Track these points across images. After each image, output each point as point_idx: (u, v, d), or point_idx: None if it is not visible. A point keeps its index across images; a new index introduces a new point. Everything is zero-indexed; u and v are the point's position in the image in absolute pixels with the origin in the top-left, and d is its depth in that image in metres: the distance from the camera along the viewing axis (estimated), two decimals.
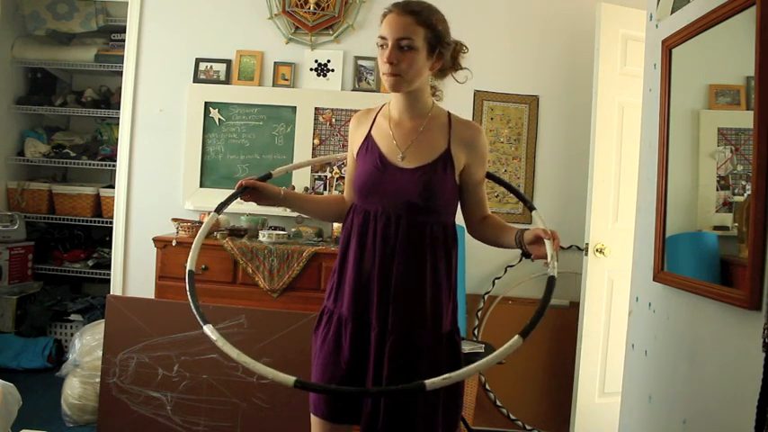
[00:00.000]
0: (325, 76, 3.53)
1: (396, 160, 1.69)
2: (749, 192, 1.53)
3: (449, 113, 1.79)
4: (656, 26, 2.11)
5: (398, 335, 1.63)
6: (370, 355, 1.64)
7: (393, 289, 1.64)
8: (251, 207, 3.42)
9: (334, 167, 3.53)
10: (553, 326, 3.41)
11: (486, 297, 3.44)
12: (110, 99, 4.13)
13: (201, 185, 3.53)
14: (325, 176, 3.52)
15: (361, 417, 1.65)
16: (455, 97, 3.45)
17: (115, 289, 3.55)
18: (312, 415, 1.72)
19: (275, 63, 3.54)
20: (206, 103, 3.52)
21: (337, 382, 1.65)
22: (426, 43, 1.64)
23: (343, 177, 3.52)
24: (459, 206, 1.80)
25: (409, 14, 1.62)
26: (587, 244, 3.07)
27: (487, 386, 3.43)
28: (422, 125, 1.72)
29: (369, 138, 1.75)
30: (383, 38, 1.64)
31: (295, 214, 3.41)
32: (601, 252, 3.07)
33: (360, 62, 3.52)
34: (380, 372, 1.62)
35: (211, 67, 3.55)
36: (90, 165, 4.05)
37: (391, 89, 1.67)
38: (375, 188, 1.69)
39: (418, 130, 1.72)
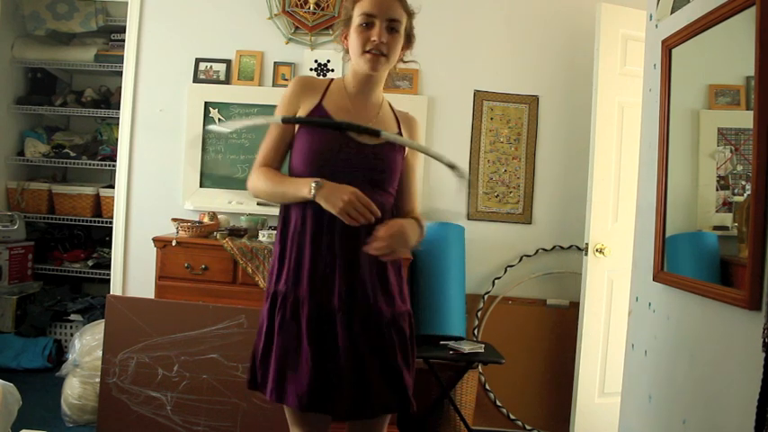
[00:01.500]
0: (324, 75, 3.53)
1: (354, 135, 1.62)
2: (749, 192, 1.53)
3: (389, 103, 1.81)
4: (656, 26, 2.12)
5: (365, 313, 1.59)
6: (338, 336, 1.57)
7: (360, 270, 1.58)
8: (251, 207, 3.45)
9: None
10: (553, 326, 3.42)
11: (486, 297, 3.44)
12: (110, 99, 4.13)
13: (201, 185, 3.53)
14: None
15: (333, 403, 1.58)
16: (455, 97, 3.48)
17: (115, 289, 3.55)
18: (285, 407, 1.65)
19: (275, 63, 3.54)
20: (206, 103, 3.52)
21: (306, 364, 1.56)
22: (404, 30, 1.68)
23: None
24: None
25: None
26: (587, 244, 3.07)
27: (487, 386, 3.43)
28: (378, 108, 1.73)
29: (319, 107, 1.66)
30: (370, 15, 1.62)
31: None
32: (601, 252, 3.07)
33: None
34: (350, 348, 1.57)
35: (211, 67, 3.55)
36: (90, 165, 4.05)
37: (371, 69, 1.64)
38: (331, 161, 1.58)
39: (376, 111, 1.72)
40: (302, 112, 1.67)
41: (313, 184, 1.52)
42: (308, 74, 3.52)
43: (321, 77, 1.83)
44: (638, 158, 2.25)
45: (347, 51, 1.72)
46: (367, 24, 1.62)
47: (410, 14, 1.70)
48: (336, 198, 1.50)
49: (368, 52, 1.63)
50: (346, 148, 1.61)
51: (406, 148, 1.72)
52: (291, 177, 1.62)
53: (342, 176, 1.56)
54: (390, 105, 1.80)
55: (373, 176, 1.62)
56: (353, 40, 1.66)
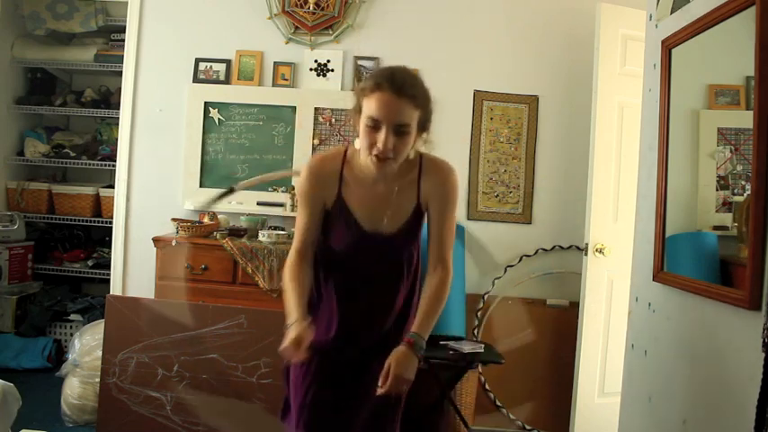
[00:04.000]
0: (324, 76, 3.53)
1: (373, 227, 1.69)
2: (749, 192, 1.53)
3: (420, 156, 1.73)
4: (656, 26, 2.11)
5: (383, 353, 1.69)
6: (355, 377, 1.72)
7: (377, 324, 1.73)
8: (251, 207, 3.45)
9: None
10: (553, 326, 3.41)
11: (485, 297, 3.44)
12: (109, 99, 4.12)
13: (201, 185, 3.53)
14: None
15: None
16: (455, 98, 3.48)
17: (115, 289, 3.55)
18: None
19: (275, 63, 3.54)
20: (206, 103, 3.52)
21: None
22: (418, 124, 1.60)
23: None
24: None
25: (406, 97, 1.54)
26: (587, 244, 3.07)
27: (487, 386, 3.43)
28: (396, 184, 1.69)
29: (340, 199, 1.69)
30: (375, 120, 1.55)
31: (295, 214, 3.40)
32: (601, 252, 3.07)
33: (359, 62, 3.51)
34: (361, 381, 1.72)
35: (211, 67, 3.55)
36: (90, 165, 4.05)
37: (377, 171, 1.61)
38: (355, 254, 1.71)
39: (393, 190, 1.69)
40: (328, 200, 1.71)
41: (287, 322, 1.62)
42: (307, 74, 3.53)
43: (331, 156, 1.75)
44: (637, 158, 2.25)
45: (356, 128, 1.67)
46: (373, 128, 1.56)
47: (423, 108, 1.60)
48: (286, 341, 1.59)
49: (373, 155, 1.58)
50: (367, 240, 1.70)
51: (426, 210, 1.74)
52: (293, 298, 1.66)
53: (368, 259, 1.72)
54: (421, 157, 1.72)
55: (388, 255, 1.74)
56: (361, 135, 1.60)
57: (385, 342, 1.71)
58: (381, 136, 1.54)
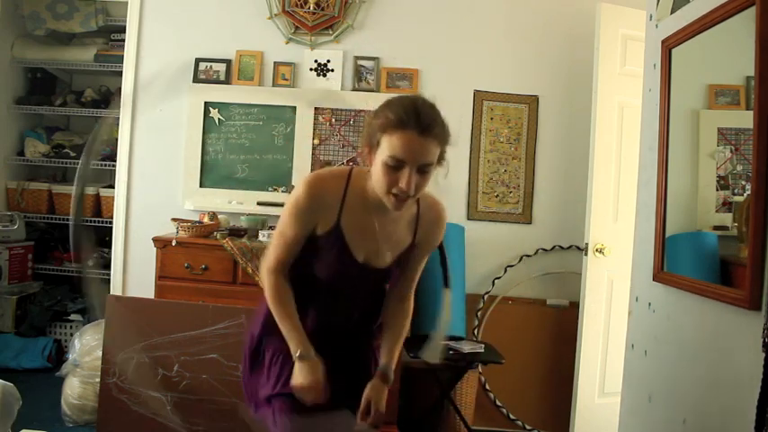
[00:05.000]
0: (324, 76, 3.53)
1: (366, 259, 1.63)
2: (749, 192, 1.53)
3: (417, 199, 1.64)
4: (656, 26, 2.11)
5: (355, 367, 1.72)
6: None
7: (351, 332, 1.72)
8: (251, 207, 3.45)
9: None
10: (553, 326, 3.42)
11: (485, 297, 3.44)
12: (110, 99, 4.12)
13: (201, 185, 3.53)
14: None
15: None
16: (455, 98, 3.47)
17: (115, 289, 3.55)
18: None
19: (275, 63, 3.54)
20: (206, 103, 3.52)
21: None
22: (438, 159, 1.51)
23: None
24: None
25: (431, 137, 1.45)
26: (587, 244, 3.07)
27: (487, 386, 3.43)
28: (397, 221, 1.64)
29: (337, 230, 1.59)
30: (398, 160, 1.44)
31: None
32: (601, 252, 3.07)
33: (360, 62, 3.52)
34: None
35: (211, 67, 3.55)
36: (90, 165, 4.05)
37: (394, 209, 1.52)
38: (342, 283, 1.65)
39: (394, 226, 1.63)
40: (319, 227, 1.60)
41: (299, 353, 1.59)
42: (307, 74, 3.53)
43: (334, 177, 1.63)
44: (637, 158, 2.25)
45: (369, 169, 1.56)
46: (395, 167, 1.46)
47: (446, 142, 1.51)
48: (304, 377, 1.57)
49: (392, 194, 1.49)
50: (358, 272, 1.64)
51: (417, 243, 1.70)
52: (293, 323, 1.62)
53: (354, 288, 1.67)
54: (418, 200, 1.64)
55: (374, 285, 1.72)
56: (378, 173, 1.49)
57: (356, 336, 1.74)
58: (405, 176, 1.45)
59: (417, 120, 1.44)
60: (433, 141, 1.46)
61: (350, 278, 1.65)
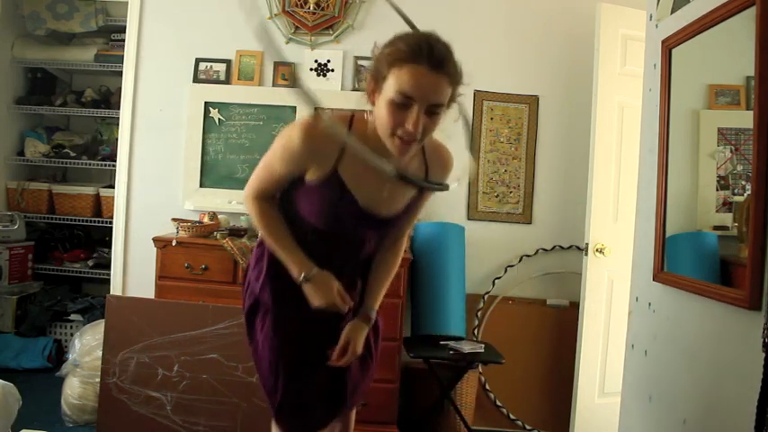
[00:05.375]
0: (325, 76, 3.53)
1: (370, 207, 1.52)
2: (749, 192, 1.53)
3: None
4: (656, 26, 2.11)
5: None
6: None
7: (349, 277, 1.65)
8: None
9: None
10: (553, 326, 3.42)
11: (486, 297, 3.44)
12: (110, 99, 4.12)
13: (201, 185, 3.53)
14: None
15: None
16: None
17: (115, 289, 3.55)
18: None
19: (275, 63, 3.54)
20: (206, 103, 3.52)
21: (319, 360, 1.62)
22: (448, 101, 1.41)
23: None
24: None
25: (444, 74, 1.35)
26: (587, 244, 3.07)
27: (487, 386, 3.43)
28: (401, 167, 1.50)
29: (334, 174, 1.48)
30: (407, 97, 1.33)
31: None
32: (601, 252, 3.07)
33: (360, 62, 3.51)
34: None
35: (211, 67, 3.55)
36: (90, 165, 4.05)
37: (398, 155, 1.40)
38: (339, 228, 1.55)
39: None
40: (311, 170, 1.48)
41: (303, 275, 1.53)
42: (307, 74, 3.52)
43: (334, 124, 1.46)
44: (637, 158, 2.25)
45: (371, 110, 1.45)
46: (402, 104, 1.34)
47: (458, 83, 1.41)
48: (321, 295, 1.53)
49: (397, 136, 1.37)
50: (362, 220, 1.53)
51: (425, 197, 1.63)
52: (290, 246, 1.55)
53: (351, 237, 1.58)
54: (423, 146, 1.53)
55: (378, 236, 1.63)
56: (383, 113, 1.37)
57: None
58: (412, 116, 1.33)
59: (430, 53, 1.33)
60: (446, 79, 1.35)
61: (349, 224, 1.54)
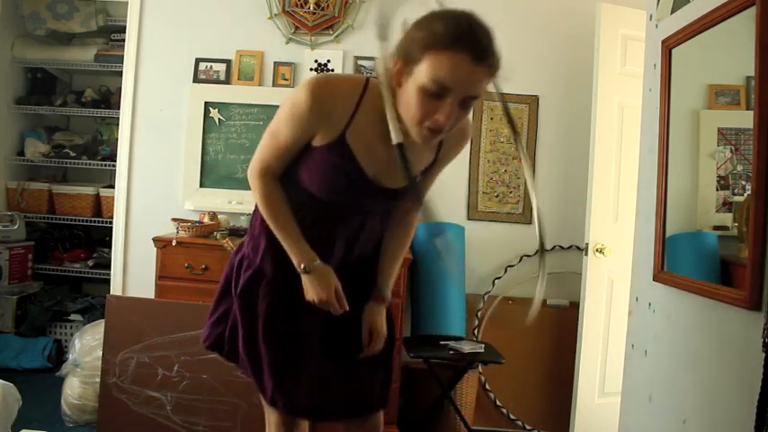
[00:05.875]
0: None
1: (378, 178, 1.43)
2: (749, 192, 1.53)
3: None
4: (656, 26, 2.11)
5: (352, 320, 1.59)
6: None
7: (355, 260, 1.58)
8: (251, 207, 3.44)
9: None
10: (553, 326, 3.41)
11: (486, 297, 3.44)
12: (110, 99, 4.12)
13: (201, 185, 3.53)
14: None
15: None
16: None
17: (115, 289, 3.55)
18: (271, 407, 1.60)
19: (275, 63, 3.54)
20: (206, 103, 3.52)
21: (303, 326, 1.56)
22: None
23: None
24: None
25: (484, 65, 1.24)
26: (587, 244, 3.07)
27: (487, 386, 3.43)
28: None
29: (341, 141, 1.38)
30: (443, 86, 1.22)
31: None
32: (601, 252, 3.07)
33: (360, 62, 3.52)
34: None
35: (211, 67, 3.55)
36: (90, 165, 4.05)
37: (423, 142, 1.33)
38: (346, 201, 1.48)
39: (410, 145, 1.39)
40: (318, 141, 1.39)
41: (303, 266, 1.48)
42: (307, 74, 3.52)
43: (345, 84, 1.41)
44: (637, 158, 2.25)
45: (394, 85, 1.32)
46: (436, 94, 1.24)
47: (496, 75, 1.31)
48: (318, 290, 1.49)
49: (425, 126, 1.28)
50: (368, 191, 1.45)
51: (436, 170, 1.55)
52: (293, 232, 1.48)
53: (357, 208, 1.50)
54: None
55: (385, 208, 1.56)
56: (411, 99, 1.26)
57: (355, 279, 1.59)
58: (445, 108, 1.23)
59: (474, 41, 1.22)
60: (486, 71, 1.25)
61: (354, 195, 1.45)
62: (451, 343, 3.02)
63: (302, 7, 3.51)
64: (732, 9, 1.60)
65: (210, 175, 3.54)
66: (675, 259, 1.93)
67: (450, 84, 1.22)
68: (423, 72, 1.23)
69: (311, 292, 1.49)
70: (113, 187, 3.72)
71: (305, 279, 1.49)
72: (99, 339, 2.93)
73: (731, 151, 1.74)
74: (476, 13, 1.30)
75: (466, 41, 1.21)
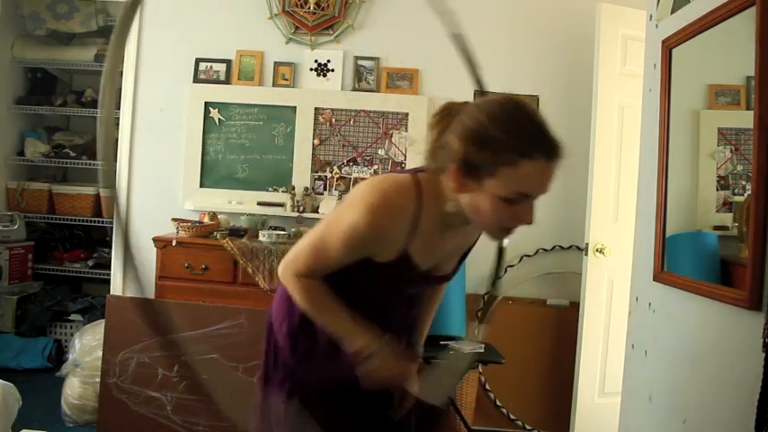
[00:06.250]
0: (325, 76, 3.53)
1: (431, 268, 1.39)
2: (749, 192, 1.53)
3: None
4: (656, 26, 2.11)
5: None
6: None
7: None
8: (251, 207, 3.45)
9: (335, 168, 3.52)
10: (553, 326, 3.41)
11: (486, 297, 3.43)
12: None
13: (201, 185, 3.53)
14: (325, 177, 3.52)
15: None
16: (455, 97, 3.46)
17: (115, 289, 3.55)
18: None
19: (275, 63, 3.54)
20: (206, 103, 3.52)
21: None
22: None
23: (344, 178, 3.51)
24: None
25: (557, 160, 1.22)
26: (587, 244, 3.07)
27: (487, 386, 3.43)
28: (468, 233, 1.42)
29: (404, 254, 1.31)
30: (524, 195, 1.18)
31: (295, 214, 3.41)
32: (601, 252, 3.07)
33: (360, 62, 3.51)
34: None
35: (211, 67, 3.55)
36: (90, 165, 4.05)
37: (497, 239, 1.35)
38: (399, 296, 1.41)
39: (464, 239, 1.43)
40: (379, 258, 1.30)
41: (365, 350, 1.30)
42: (307, 74, 3.52)
43: (403, 193, 1.29)
44: (638, 158, 2.25)
45: (458, 189, 1.23)
46: (512, 201, 1.18)
47: None
48: (388, 368, 1.32)
49: (505, 230, 1.26)
50: (423, 283, 1.41)
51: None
52: (346, 317, 1.32)
53: (405, 301, 1.44)
54: None
55: (431, 292, 1.55)
56: (488, 207, 1.19)
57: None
58: (527, 210, 1.20)
59: (547, 143, 1.19)
60: (558, 164, 1.21)
61: (405, 288, 1.41)
62: (451, 343, 3.02)
63: (302, 7, 3.51)
64: (732, 9, 1.60)
65: (210, 175, 3.54)
66: (675, 259, 1.93)
67: (530, 190, 1.19)
68: (502, 184, 1.17)
69: (383, 373, 1.32)
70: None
71: (370, 364, 1.31)
72: (99, 339, 2.93)
73: (731, 151, 1.74)
74: (526, 103, 1.25)
75: (541, 146, 1.18)
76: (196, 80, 3.54)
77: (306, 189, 3.47)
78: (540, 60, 3.48)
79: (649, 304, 2.05)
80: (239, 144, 3.53)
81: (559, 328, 3.39)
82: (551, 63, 3.48)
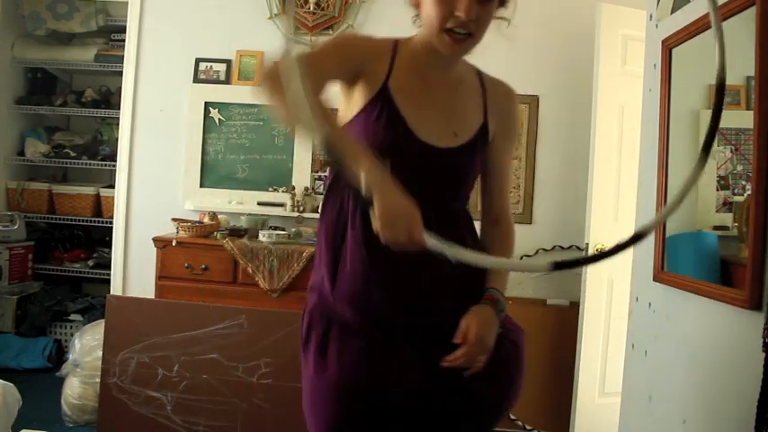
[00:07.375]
0: None
1: (423, 136, 1.27)
2: (749, 192, 1.53)
3: (478, 71, 1.44)
4: (656, 26, 2.11)
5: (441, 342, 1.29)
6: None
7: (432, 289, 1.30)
8: (251, 207, 3.45)
9: None
10: (553, 326, 3.41)
11: None
12: (110, 99, 4.12)
13: (201, 185, 3.54)
14: (325, 177, 3.52)
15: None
16: None
17: (115, 289, 3.55)
18: None
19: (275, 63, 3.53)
20: (206, 103, 3.52)
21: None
22: None
23: None
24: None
25: None
26: (587, 244, 3.07)
27: None
28: (457, 88, 1.36)
29: (384, 92, 1.26)
30: None
31: (295, 214, 3.41)
32: None
33: None
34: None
35: (211, 67, 3.55)
36: (90, 165, 4.05)
37: (452, 53, 1.27)
38: (401, 171, 1.12)
39: (453, 94, 1.34)
40: (361, 89, 1.26)
41: (369, 180, 1.05)
42: None
43: (381, 39, 1.34)
44: (638, 158, 2.25)
45: (417, 15, 1.30)
46: None
47: None
48: (393, 227, 1.06)
49: (449, 31, 1.23)
50: (421, 152, 1.27)
51: (487, 148, 1.37)
52: (346, 135, 1.16)
53: (414, 174, 1.18)
54: (480, 74, 1.43)
55: (448, 188, 1.33)
56: (429, 7, 1.23)
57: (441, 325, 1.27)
58: (463, 2, 1.19)
59: None
60: None
61: (409, 162, 1.21)
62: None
63: (302, 7, 3.51)
64: (732, 9, 1.60)
65: (210, 175, 3.54)
66: (675, 259, 1.93)
67: None
68: None
69: (384, 225, 1.06)
70: (113, 187, 3.72)
71: (377, 205, 1.05)
72: (99, 339, 2.93)
73: (731, 151, 1.73)
74: None
75: None
76: (196, 80, 3.54)
77: (306, 189, 3.47)
78: (539, 60, 3.48)
79: (649, 304, 2.05)
80: (239, 144, 3.54)
81: (559, 328, 3.38)
82: (551, 63, 3.48)
